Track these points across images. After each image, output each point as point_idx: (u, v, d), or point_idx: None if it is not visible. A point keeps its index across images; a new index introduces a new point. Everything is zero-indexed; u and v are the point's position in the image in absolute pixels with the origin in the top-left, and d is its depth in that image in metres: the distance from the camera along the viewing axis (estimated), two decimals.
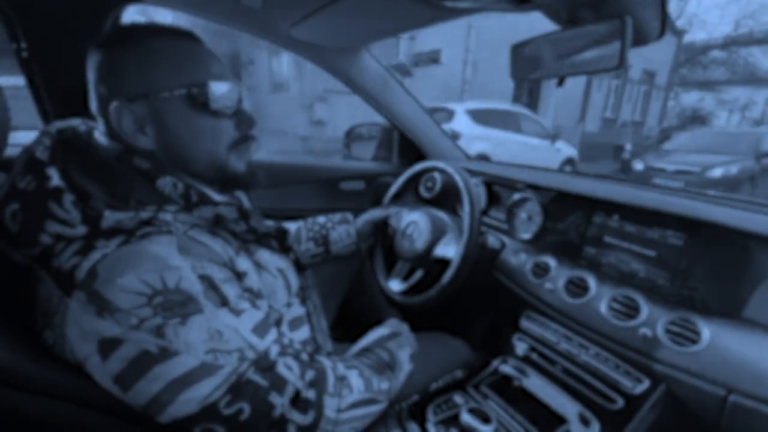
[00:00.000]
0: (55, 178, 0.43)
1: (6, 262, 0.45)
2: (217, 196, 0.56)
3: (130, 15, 0.89)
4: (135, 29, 0.50)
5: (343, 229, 0.91)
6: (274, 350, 0.47)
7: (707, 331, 0.65)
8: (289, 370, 0.47)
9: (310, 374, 0.49)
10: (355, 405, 0.52)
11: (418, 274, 1.03)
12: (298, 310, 0.61)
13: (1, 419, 0.43)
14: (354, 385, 0.53)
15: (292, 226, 0.92)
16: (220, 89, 0.51)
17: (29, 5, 0.78)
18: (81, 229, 0.41)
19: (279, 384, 0.45)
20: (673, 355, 0.66)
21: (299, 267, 0.68)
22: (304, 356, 0.51)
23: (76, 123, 0.53)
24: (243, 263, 0.51)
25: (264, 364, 0.45)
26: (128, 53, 0.48)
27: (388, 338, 0.68)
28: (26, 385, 0.43)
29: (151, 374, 0.39)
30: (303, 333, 0.61)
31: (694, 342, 0.65)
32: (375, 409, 0.56)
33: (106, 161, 0.49)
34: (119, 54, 0.48)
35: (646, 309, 0.73)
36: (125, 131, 0.49)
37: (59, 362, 0.42)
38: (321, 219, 0.92)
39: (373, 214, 0.97)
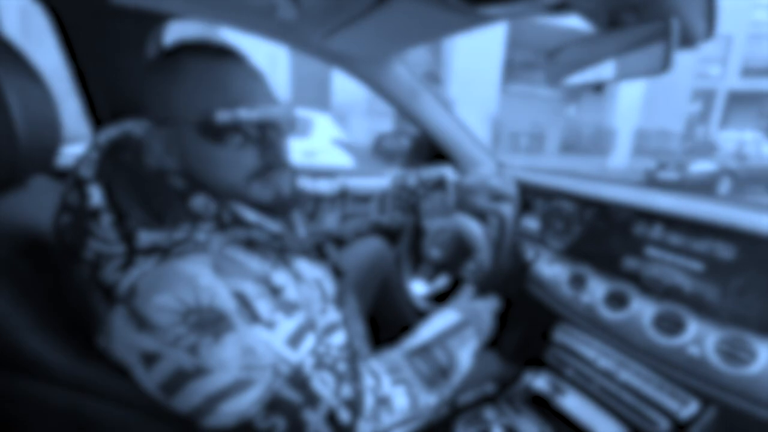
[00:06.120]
0: (95, 197, 0.45)
1: (66, 268, 0.47)
2: (252, 217, 0.53)
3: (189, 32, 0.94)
4: (168, 49, 0.49)
5: (437, 198, 0.81)
6: (309, 363, 0.47)
7: (764, 351, 0.60)
8: (324, 384, 0.47)
9: (346, 390, 0.48)
10: (393, 426, 0.51)
11: (443, 279, 1.02)
12: (333, 316, 0.61)
13: (56, 419, 0.45)
14: (397, 407, 0.52)
15: (375, 190, 0.84)
16: (236, 116, 0.46)
17: (81, 18, 0.83)
18: (119, 248, 0.43)
19: (313, 400, 0.45)
20: (725, 377, 0.62)
21: (337, 273, 0.68)
22: (341, 366, 0.51)
23: (131, 126, 0.54)
24: (280, 277, 0.51)
25: (298, 379, 0.45)
26: (158, 75, 0.48)
27: (453, 332, 0.63)
28: (78, 386, 0.45)
29: (188, 389, 0.41)
30: (339, 339, 0.61)
31: (748, 363, 0.60)
32: (414, 425, 0.55)
33: (147, 177, 0.50)
34: (152, 75, 0.48)
35: (693, 326, 0.68)
36: (154, 153, 0.49)
37: (108, 365, 0.44)
38: (412, 183, 0.84)
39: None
